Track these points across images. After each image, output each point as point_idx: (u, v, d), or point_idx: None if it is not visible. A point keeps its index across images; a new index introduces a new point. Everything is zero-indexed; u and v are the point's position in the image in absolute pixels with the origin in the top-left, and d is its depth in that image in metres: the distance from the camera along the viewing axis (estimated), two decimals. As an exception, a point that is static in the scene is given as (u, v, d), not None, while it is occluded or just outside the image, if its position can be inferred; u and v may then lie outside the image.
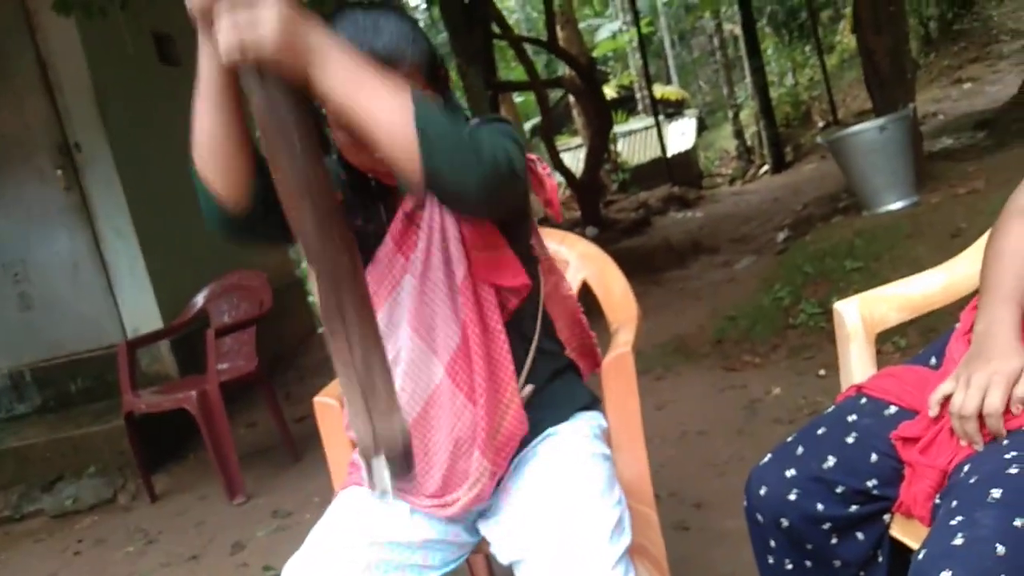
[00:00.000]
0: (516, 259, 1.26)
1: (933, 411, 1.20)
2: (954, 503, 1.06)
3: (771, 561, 1.32)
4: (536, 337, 1.33)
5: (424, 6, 8.63)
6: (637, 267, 1.75)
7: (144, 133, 4.75)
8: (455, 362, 1.22)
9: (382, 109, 0.96)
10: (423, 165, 0.96)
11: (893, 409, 1.29)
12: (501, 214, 1.18)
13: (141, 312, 4.55)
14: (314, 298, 10.83)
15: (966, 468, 1.12)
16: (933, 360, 1.37)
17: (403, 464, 0.95)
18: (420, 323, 1.23)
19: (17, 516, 3.82)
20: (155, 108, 4.93)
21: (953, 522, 1.01)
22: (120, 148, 4.50)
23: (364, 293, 0.96)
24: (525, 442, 1.29)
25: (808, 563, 1.29)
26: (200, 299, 3.96)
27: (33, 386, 4.57)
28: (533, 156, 1.28)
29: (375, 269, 1.25)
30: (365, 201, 1.29)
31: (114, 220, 4.52)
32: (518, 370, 1.27)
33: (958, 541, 0.98)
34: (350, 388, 0.95)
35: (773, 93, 13.46)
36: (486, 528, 1.30)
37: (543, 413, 1.30)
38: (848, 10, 13.49)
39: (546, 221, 3.81)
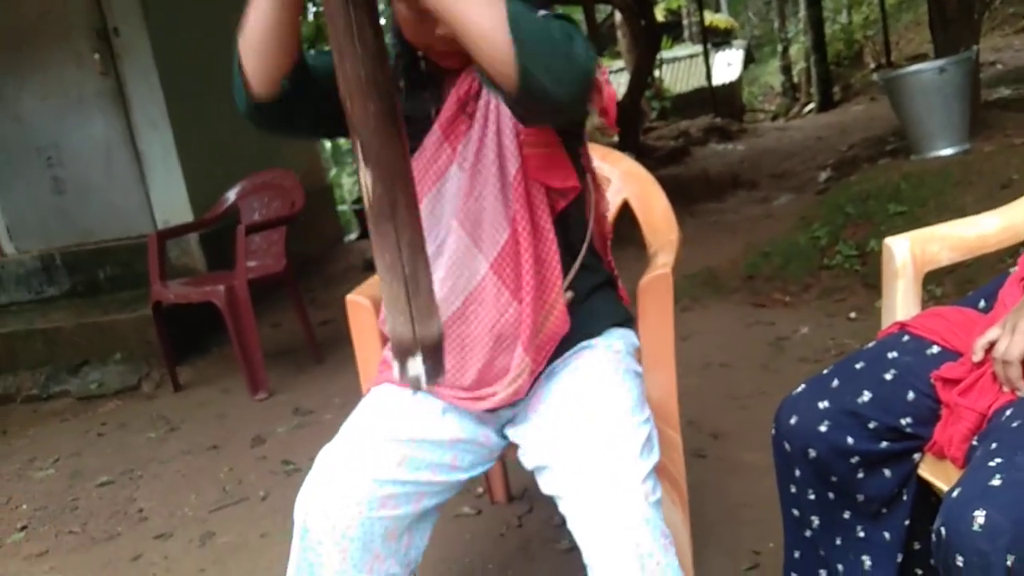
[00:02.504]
0: (568, 160, 1.24)
1: (977, 356, 1.16)
2: (993, 445, 1.03)
3: (793, 490, 1.31)
4: (584, 245, 1.31)
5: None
6: (672, 197, 1.69)
7: (184, 23, 4.68)
8: (502, 258, 1.21)
9: (475, 11, 0.92)
10: (519, 70, 0.92)
11: (936, 349, 1.26)
12: (578, 116, 1.16)
13: (172, 204, 4.56)
14: (344, 207, 10.75)
15: (1008, 412, 1.09)
16: (982, 303, 1.33)
17: (435, 366, 0.94)
18: (467, 217, 1.21)
19: (44, 396, 3.91)
20: (196, -2, 4.85)
21: (992, 463, 0.98)
22: (158, 36, 4.44)
23: (414, 194, 0.93)
24: (559, 352, 1.28)
25: (831, 495, 1.28)
26: (232, 195, 3.95)
27: (63, 270, 4.62)
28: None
29: (420, 157, 1.23)
30: (414, 84, 1.25)
31: (149, 109, 4.49)
32: (563, 275, 1.25)
33: (995, 482, 0.95)
34: (393, 287, 0.93)
35: (827, 29, 13.01)
36: (515, 433, 1.30)
37: (579, 323, 1.28)
38: (914, -54, 12.93)
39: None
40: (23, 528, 2.57)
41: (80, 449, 3.20)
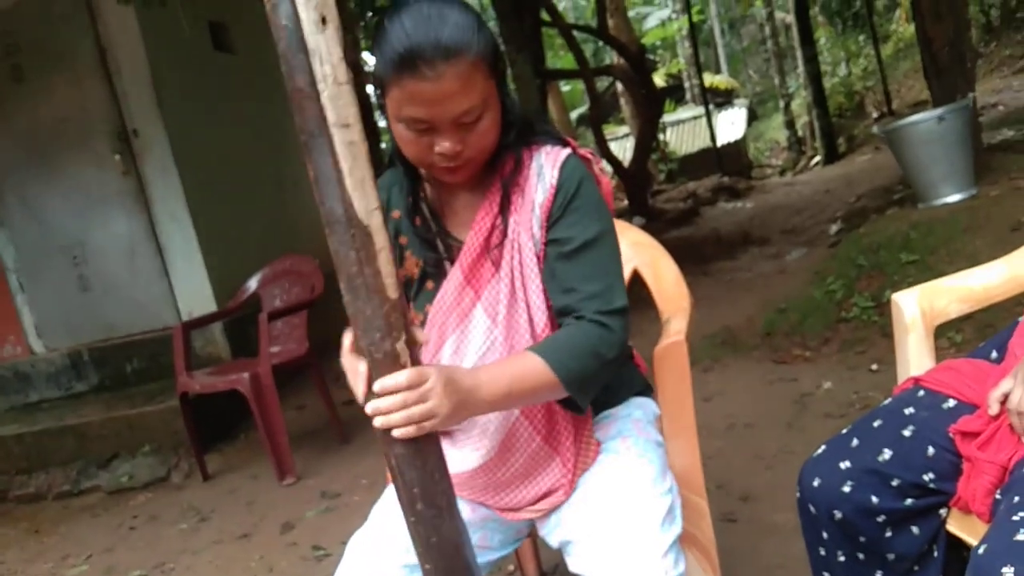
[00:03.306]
0: None
1: (993, 409, 1.18)
2: (1016, 499, 1.04)
3: (823, 553, 1.32)
4: None
5: (474, -6, 8.65)
6: (685, 258, 1.74)
7: (199, 120, 4.85)
8: (533, 407, 1.22)
9: (536, 394, 1.12)
10: (580, 400, 1.15)
11: (952, 403, 1.27)
12: None
13: (195, 295, 4.65)
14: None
15: (1028, 464, 1.10)
16: (994, 354, 1.35)
17: None
18: None
19: (75, 491, 3.94)
20: (210, 95, 5.03)
21: (1016, 517, 1.00)
22: (176, 134, 4.60)
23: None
24: None
25: (860, 555, 1.28)
26: (253, 283, 4.03)
27: (91, 365, 4.70)
28: (589, 154, 1.28)
29: (441, 301, 1.23)
30: (429, 229, 1.27)
31: (170, 205, 4.62)
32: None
33: (1021, 537, 0.96)
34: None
35: (826, 83, 13.20)
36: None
37: (599, 396, 1.31)
38: (905, -2, 13.18)
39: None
40: (59, 628, 2.58)
41: (112, 544, 3.21)
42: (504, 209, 1.21)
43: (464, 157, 1.15)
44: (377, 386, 0.95)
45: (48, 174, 4.71)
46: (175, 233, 4.65)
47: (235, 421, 4.17)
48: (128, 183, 4.64)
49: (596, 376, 1.14)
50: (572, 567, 1.21)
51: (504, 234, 1.21)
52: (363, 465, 3.34)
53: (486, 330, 1.22)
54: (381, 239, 0.92)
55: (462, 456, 1.23)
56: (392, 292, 0.92)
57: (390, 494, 1.34)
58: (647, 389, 1.43)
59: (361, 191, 0.90)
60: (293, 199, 5.81)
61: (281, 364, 3.57)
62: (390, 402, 0.94)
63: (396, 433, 0.94)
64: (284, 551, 2.78)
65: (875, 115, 12.72)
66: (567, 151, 1.23)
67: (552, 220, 1.20)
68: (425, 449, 0.96)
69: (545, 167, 1.21)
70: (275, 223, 5.42)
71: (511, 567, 2.27)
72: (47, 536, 3.48)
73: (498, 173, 1.23)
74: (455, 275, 1.23)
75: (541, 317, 1.21)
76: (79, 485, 3.95)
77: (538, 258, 1.21)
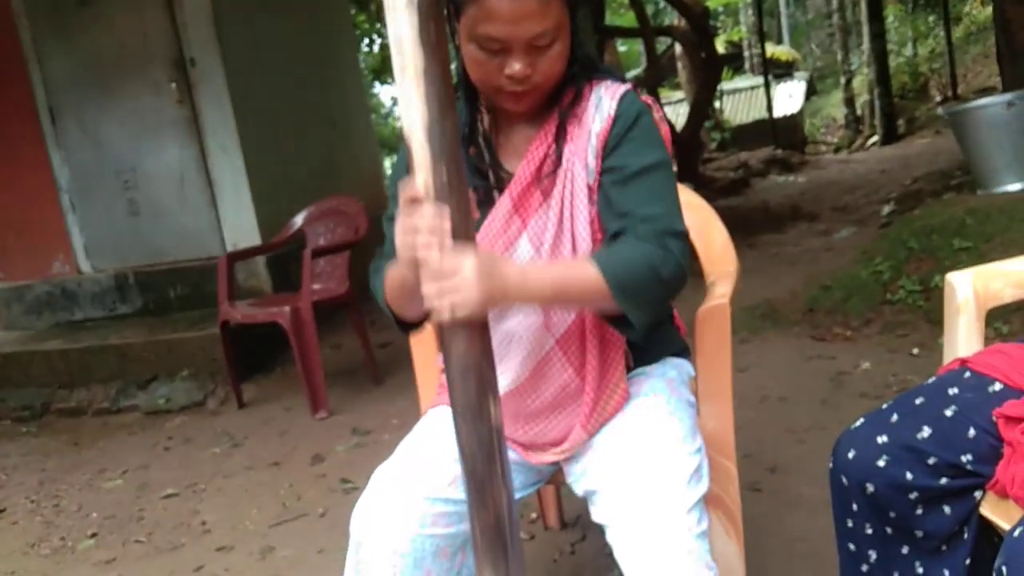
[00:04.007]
0: None
1: (1042, 395, 1.16)
2: (1056, 485, 1.02)
3: (850, 524, 1.31)
4: None
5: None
6: (732, 228, 1.71)
7: (257, 54, 4.86)
8: (568, 337, 1.23)
9: (579, 296, 1.10)
10: (631, 318, 1.10)
11: (998, 386, 1.25)
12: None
13: (241, 227, 4.71)
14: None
15: (1072, 452, 1.08)
16: (1047, 341, 1.31)
17: None
18: None
19: (114, 409, 4.06)
20: (269, 30, 5.04)
21: (1054, 503, 0.98)
22: (232, 66, 4.62)
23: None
24: None
25: (888, 530, 1.27)
26: (299, 220, 4.06)
27: (135, 288, 4.81)
28: (650, 100, 1.27)
29: (489, 227, 1.24)
30: (477, 148, 1.27)
31: (222, 137, 4.66)
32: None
33: (1058, 522, 0.95)
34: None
35: (891, 62, 12.84)
36: (566, 460, 1.32)
37: (635, 353, 1.31)
38: (983, -22, 12.71)
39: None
40: (93, 535, 2.67)
41: (148, 462, 3.31)
42: (559, 138, 1.22)
43: (532, 82, 1.15)
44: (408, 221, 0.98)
45: (105, 98, 4.77)
46: (225, 165, 4.69)
47: (273, 353, 4.24)
48: (182, 112, 4.68)
49: (648, 291, 1.10)
50: (595, 516, 1.22)
51: (557, 163, 1.22)
52: (395, 406, 3.39)
53: (530, 260, 1.23)
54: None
55: None
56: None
57: (419, 429, 1.36)
58: (684, 351, 1.43)
59: None
60: (343, 140, 5.83)
61: (321, 301, 3.61)
62: (429, 283, 0.97)
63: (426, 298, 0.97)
64: (313, 481, 2.84)
65: (939, 98, 12.38)
66: (627, 86, 1.24)
67: (608, 149, 1.20)
68: (472, 335, 0.98)
69: (604, 98, 1.21)
70: (324, 163, 5.45)
71: (533, 515, 2.30)
72: (86, 449, 3.59)
73: (558, 105, 1.23)
74: (503, 203, 1.24)
75: (586, 248, 1.21)
76: (118, 403, 4.07)
77: (590, 189, 1.21)
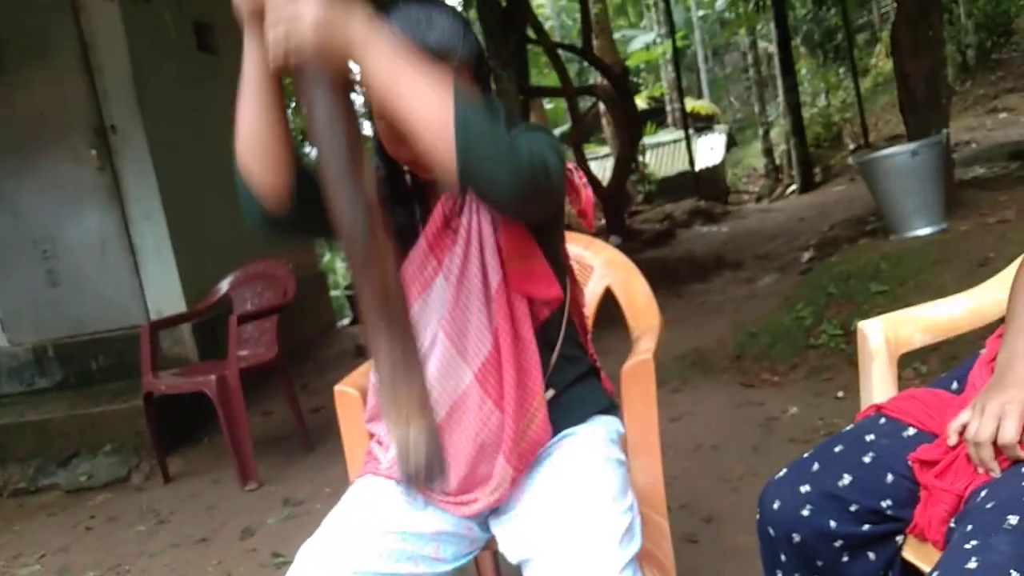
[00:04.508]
0: (550, 270, 1.27)
1: (952, 439, 1.19)
2: (969, 527, 1.05)
3: (780, 575, 1.32)
4: (560, 342, 1.33)
5: (461, 7, 8.68)
6: (659, 279, 1.76)
7: (179, 119, 4.82)
8: (485, 369, 1.23)
9: (422, 99, 0.97)
10: (459, 158, 0.96)
11: (912, 431, 1.29)
12: (532, 217, 1.19)
13: (165, 295, 4.60)
14: (338, 292, 10.82)
15: (983, 493, 1.12)
16: (955, 385, 1.36)
17: (436, 467, 0.98)
18: (453, 328, 1.24)
19: (32, 489, 3.88)
20: (191, 95, 5.00)
21: (968, 546, 1.01)
22: (154, 132, 4.57)
23: (404, 296, 0.97)
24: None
25: (817, 580, 1.29)
26: (224, 285, 4.00)
27: (55, 361, 4.64)
28: (571, 165, 1.29)
29: (407, 268, 1.26)
30: (400, 198, 1.29)
31: (144, 203, 4.58)
32: (543, 375, 1.28)
33: (972, 565, 0.97)
34: (390, 392, 0.97)
35: (805, 113, 13.41)
36: (497, 526, 1.31)
37: (561, 414, 1.31)
38: (885, 34, 13.44)
39: (570, 227, 3.81)
40: (7, 628, 2.53)
41: (68, 544, 3.16)
42: None
43: None
44: None
45: (22, 166, 4.65)
46: (148, 231, 4.60)
47: (199, 424, 4.12)
48: (103, 179, 4.59)
49: (489, 155, 0.98)
50: (530, 582, 1.21)
51: (464, 203, 1.23)
52: (327, 474, 3.32)
53: (443, 293, 1.23)
54: None
55: None
56: None
57: (345, 500, 1.33)
58: (612, 408, 1.43)
59: None
60: (270, 203, 5.77)
61: (249, 368, 3.54)
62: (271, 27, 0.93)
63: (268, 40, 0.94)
64: (243, 557, 2.75)
65: (852, 146, 12.91)
66: None
67: None
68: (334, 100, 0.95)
69: None
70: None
71: (472, 581, 2.26)
72: (0, 534, 3.41)
73: None
74: (420, 245, 1.25)
75: (495, 277, 1.22)
76: (36, 483, 3.89)
77: (494, 217, 1.21)
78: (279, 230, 1.19)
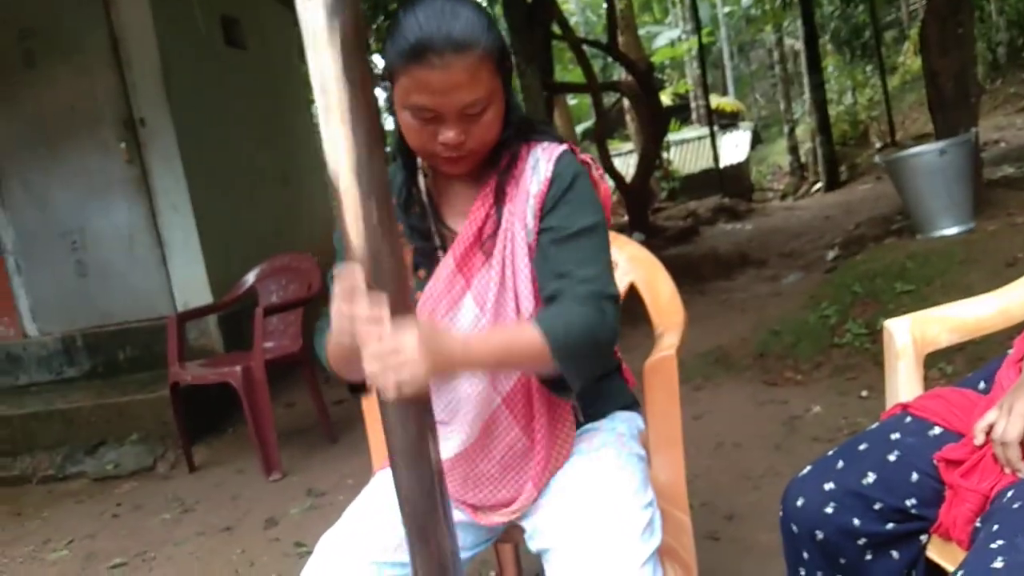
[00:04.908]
0: None
1: (979, 439, 1.19)
2: (995, 527, 1.05)
3: (803, 573, 1.32)
4: None
5: (486, 3, 8.70)
6: (682, 276, 1.76)
7: (207, 112, 4.87)
8: (514, 396, 1.24)
9: (524, 362, 1.12)
10: (569, 379, 1.12)
11: (938, 430, 1.28)
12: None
13: (192, 286, 4.66)
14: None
15: (1009, 494, 1.11)
16: (982, 384, 1.36)
17: None
18: None
19: (60, 476, 3.94)
20: (219, 89, 5.06)
21: (993, 545, 1.01)
22: (183, 126, 4.61)
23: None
24: None
25: (840, 577, 1.29)
26: (251, 277, 4.03)
27: (83, 351, 4.70)
28: (588, 159, 1.30)
29: (433, 287, 1.25)
30: (417, 197, 1.29)
31: (172, 195, 4.63)
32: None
33: (998, 564, 0.97)
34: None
35: (831, 111, 13.29)
36: (519, 517, 1.32)
37: (584, 408, 1.32)
38: (914, 31, 13.28)
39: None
40: (36, 612, 2.58)
41: (95, 531, 3.20)
42: (499, 200, 1.24)
43: (466, 148, 1.17)
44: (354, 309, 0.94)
45: (52, 159, 4.72)
46: (175, 224, 4.66)
47: (224, 414, 4.16)
48: (131, 171, 4.65)
49: (586, 354, 1.12)
50: (551, 573, 1.22)
51: (498, 224, 1.23)
52: (350, 465, 3.35)
53: (474, 318, 1.23)
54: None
55: (442, 443, 1.24)
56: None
57: (367, 492, 1.35)
58: (634, 404, 1.44)
59: None
60: (295, 196, 5.83)
61: (274, 360, 3.57)
62: (372, 363, 0.93)
63: (369, 372, 0.93)
64: (266, 546, 2.78)
65: (878, 145, 12.79)
66: (564, 147, 1.26)
67: (546, 210, 1.22)
68: (414, 411, 0.96)
69: (541, 160, 1.24)
70: (276, 219, 5.44)
71: (492, 573, 2.27)
72: (29, 520, 3.47)
73: (496, 167, 1.25)
74: (447, 263, 1.25)
75: (528, 306, 1.22)
76: (64, 470, 3.95)
77: (530, 248, 1.22)
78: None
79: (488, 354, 1.06)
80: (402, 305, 0.95)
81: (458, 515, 1.30)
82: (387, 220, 0.94)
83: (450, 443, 1.25)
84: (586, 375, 1.14)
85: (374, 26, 7.38)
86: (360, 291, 0.93)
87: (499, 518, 1.28)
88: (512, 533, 1.39)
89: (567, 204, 1.21)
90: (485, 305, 1.23)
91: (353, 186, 0.92)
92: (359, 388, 1.25)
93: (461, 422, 1.25)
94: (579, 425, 1.32)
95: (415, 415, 0.96)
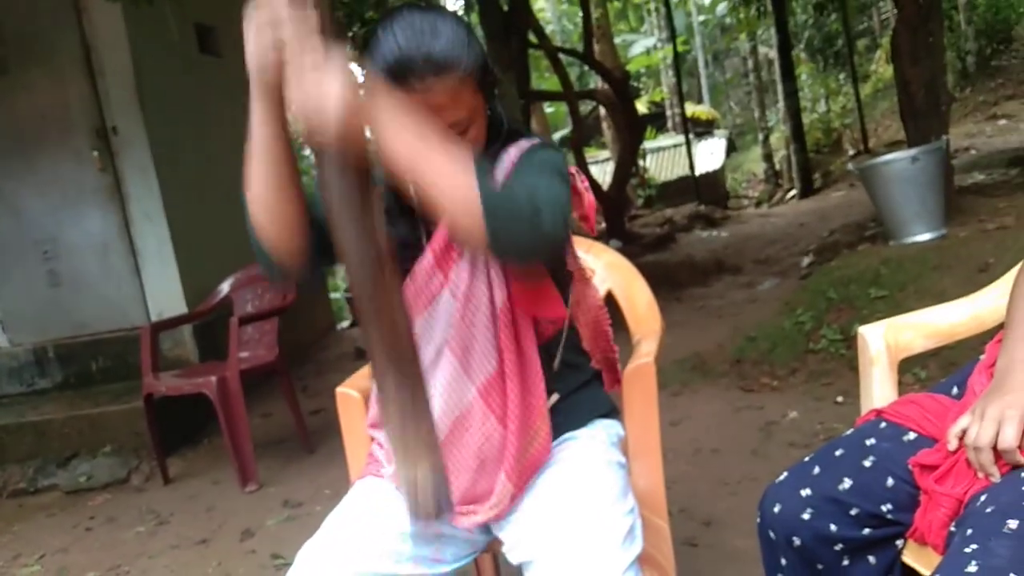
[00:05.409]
0: (555, 290, 1.28)
1: (952, 444, 1.20)
2: (969, 531, 1.06)
3: (781, 579, 1.33)
4: (560, 351, 1.34)
5: (462, 11, 8.70)
6: (659, 283, 1.77)
7: (180, 120, 4.83)
8: (489, 385, 1.23)
9: (446, 179, 0.99)
10: (486, 234, 1.00)
11: (912, 435, 1.29)
12: (546, 263, 1.21)
13: (166, 296, 4.61)
14: (338, 294, 10.81)
15: (983, 498, 1.12)
16: (955, 390, 1.37)
17: (443, 506, 0.99)
18: (458, 344, 1.23)
19: (32, 489, 3.87)
20: (193, 97, 5.01)
21: (967, 550, 1.01)
22: (156, 134, 4.57)
23: (414, 342, 0.99)
24: None
25: (818, 584, 1.29)
26: (225, 287, 4.00)
27: (55, 362, 4.63)
28: (573, 169, 1.30)
29: (412, 282, 1.25)
30: (404, 210, 1.28)
31: (145, 204, 4.59)
32: (546, 383, 1.28)
33: (972, 569, 0.98)
34: (399, 434, 0.99)
35: (805, 119, 13.43)
36: (499, 528, 1.31)
37: (562, 418, 1.31)
38: (885, 40, 13.47)
39: (572, 232, 3.82)
40: (7, 628, 2.53)
41: (67, 545, 3.16)
42: None
43: None
44: None
45: (24, 167, 4.65)
46: (149, 233, 4.61)
47: (199, 425, 4.12)
48: (104, 180, 4.60)
49: (515, 221, 1.01)
50: (532, 585, 1.21)
51: None
52: (327, 475, 3.32)
53: (450, 307, 1.23)
54: None
55: None
56: None
57: (346, 502, 1.34)
58: (613, 411, 1.44)
59: None
60: (271, 205, 5.78)
61: (249, 370, 3.54)
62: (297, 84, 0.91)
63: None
64: (242, 558, 2.75)
65: (851, 152, 12.94)
66: (539, 140, 1.27)
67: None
68: (350, 158, 0.94)
69: (514, 149, 1.24)
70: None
71: (471, 583, 2.26)
72: (0, 534, 3.41)
73: None
74: (426, 258, 1.24)
75: (501, 295, 1.22)
76: (36, 483, 3.88)
77: None
78: (298, 282, 1.21)
79: (414, 135, 0.99)
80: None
81: (438, 524, 1.29)
82: None
83: None
84: (507, 252, 1.04)
85: (350, 34, 7.36)
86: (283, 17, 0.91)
87: (480, 516, 1.26)
88: (493, 544, 1.38)
89: (528, 158, 1.20)
90: (456, 292, 1.23)
91: None
92: (282, 267, 1.20)
93: (440, 414, 1.23)
94: (558, 432, 1.32)
95: (352, 178, 0.94)
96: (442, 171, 0.99)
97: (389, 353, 0.96)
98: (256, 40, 0.95)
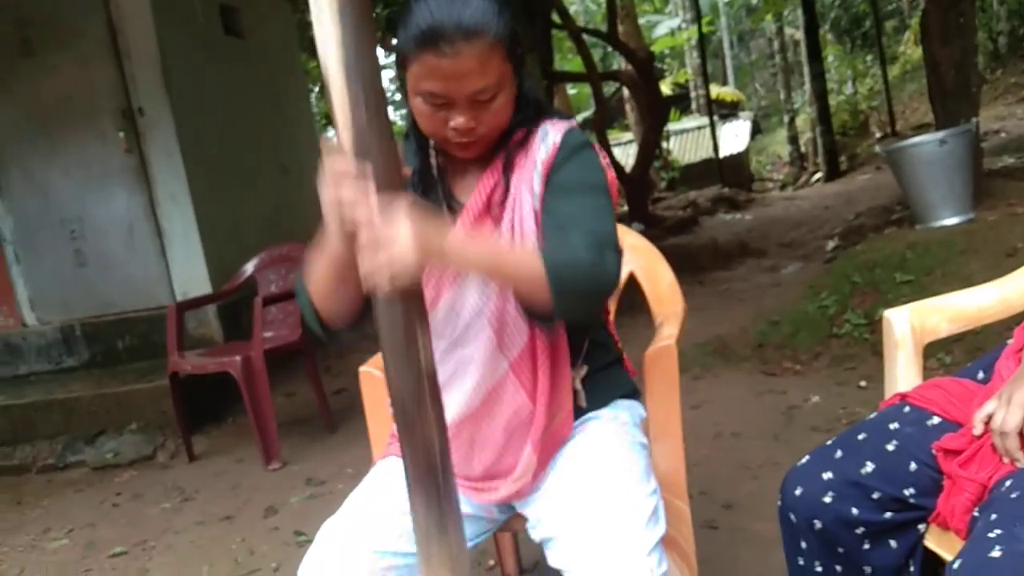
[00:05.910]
0: None
1: (977, 429, 1.19)
2: (993, 516, 1.05)
3: (801, 562, 1.33)
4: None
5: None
6: (681, 266, 1.76)
7: (205, 102, 4.85)
8: (521, 359, 1.24)
9: (516, 277, 1.07)
10: (556, 309, 1.07)
11: (936, 420, 1.29)
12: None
13: (191, 276, 4.65)
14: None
15: (1008, 483, 1.11)
16: (981, 374, 1.36)
17: None
18: (496, 318, 1.24)
19: (60, 465, 3.94)
20: (218, 78, 5.04)
21: (992, 534, 1.01)
22: (181, 115, 4.60)
23: (449, 461, 1.01)
24: None
25: (838, 567, 1.29)
26: (250, 267, 4.03)
27: (82, 341, 4.70)
28: (596, 146, 1.30)
29: None
30: (431, 180, 1.29)
31: (170, 185, 4.63)
32: (573, 360, 1.28)
33: (996, 553, 0.97)
34: (424, 549, 1.01)
35: (831, 100, 13.27)
36: (521, 506, 1.32)
37: (586, 398, 1.32)
38: (914, 21, 13.24)
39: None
40: (37, 600, 2.58)
41: (95, 520, 3.21)
42: (507, 169, 1.24)
43: (477, 133, 1.18)
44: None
45: (51, 148, 4.70)
46: (174, 213, 4.65)
47: (224, 404, 4.17)
48: (130, 161, 4.64)
49: (582, 292, 1.08)
50: (553, 561, 1.22)
51: (506, 192, 1.24)
52: (350, 454, 3.35)
53: (480, 286, 1.24)
54: None
55: (448, 401, 1.23)
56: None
57: (368, 481, 1.35)
58: (635, 393, 1.44)
59: None
60: (295, 186, 5.81)
61: (273, 349, 3.57)
62: (366, 253, 0.93)
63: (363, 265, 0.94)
64: (266, 535, 2.78)
65: (878, 135, 12.78)
66: (573, 123, 1.28)
67: (552, 172, 1.22)
68: (405, 308, 0.96)
69: (551, 132, 1.24)
70: (275, 209, 5.43)
71: (491, 562, 2.28)
72: (29, 509, 3.48)
73: (506, 146, 1.25)
74: (458, 229, 1.24)
75: None
76: (64, 459, 3.95)
77: (536, 214, 1.22)
78: (343, 337, 1.25)
79: (483, 255, 1.05)
80: (393, 192, 0.96)
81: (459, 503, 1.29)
82: (376, 119, 0.95)
83: (453, 407, 1.24)
84: (576, 310, 1.11)
85: (374, 14, 7.35)
86: (348, 175, 0.95)
87: (503, 491, 1.27)
88: (512, 523, 1.39)
89: (572, 163, 1.21)
90: None
91: (340, 79, 0.94)
92: (335, 333, 1.23)
93: (467, 385, 1.25)
94: (581, 411, 1.32)
95: (406, 312, 0.96)
96: (513, 274, 1.07)
97: (423, 476, 0.99)
98: (326, 198, 1.00)
